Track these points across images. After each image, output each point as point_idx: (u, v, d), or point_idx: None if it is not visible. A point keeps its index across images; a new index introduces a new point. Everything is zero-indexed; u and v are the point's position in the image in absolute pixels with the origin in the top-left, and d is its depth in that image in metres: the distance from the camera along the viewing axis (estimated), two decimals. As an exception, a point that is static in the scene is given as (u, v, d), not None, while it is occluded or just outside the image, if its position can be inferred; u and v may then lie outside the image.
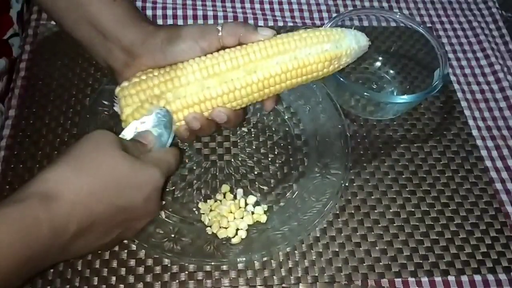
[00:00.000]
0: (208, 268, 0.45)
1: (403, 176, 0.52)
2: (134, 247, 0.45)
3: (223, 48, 0.41)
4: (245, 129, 0.54)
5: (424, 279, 0.46)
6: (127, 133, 0.41)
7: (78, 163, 0.35)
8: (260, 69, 0.41)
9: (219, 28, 0.40)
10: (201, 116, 0.42)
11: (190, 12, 0.65)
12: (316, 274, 0.45)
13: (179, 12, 0.65)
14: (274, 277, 0.45)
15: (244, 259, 0.44)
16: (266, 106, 0.45)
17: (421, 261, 0.47)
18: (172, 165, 0.40)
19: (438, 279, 0.46)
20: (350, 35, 0.42)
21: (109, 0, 0.41)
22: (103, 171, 0.35)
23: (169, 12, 0.65)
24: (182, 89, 0.41)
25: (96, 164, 0.35)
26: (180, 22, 0.64)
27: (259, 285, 0.45)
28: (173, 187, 0.49)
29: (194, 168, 0.51)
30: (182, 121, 0.42)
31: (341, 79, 0.51)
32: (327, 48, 0.41)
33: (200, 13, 0.65)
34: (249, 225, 0.46)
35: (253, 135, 0.54)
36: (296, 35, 0.41)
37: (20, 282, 0.32)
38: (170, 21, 0.64)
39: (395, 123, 0.57)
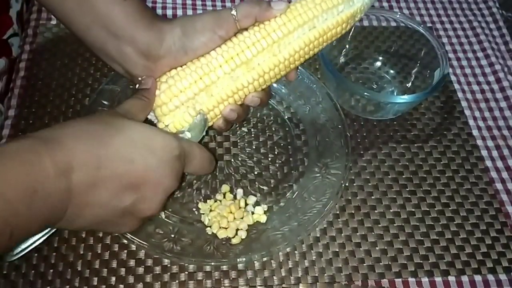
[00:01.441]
0: (208, 268, 0.45)
1: (403, 176, 0.52)
2: (134, 247, 0.45)
3: (240, 30, 0.41)
4: (245, 129, 0.54)
5: (425, 279, 0.46)
6: None
7: (90, 117, 0.35)
8: (284, 47, 0.40)
9: (234, 13, 0.40)
10: (237, 107, 0.42)
11: (190, 12, 0.65)
12: (316, 274, 0.45)
13: (179, 12, 0.65)
14: (274, 277, 0.45)
15: (244, 259, 0.44)
16: (290, 77, 0.45)
17: (421, 261, 0.47)
18: (194, 152, 0.38)
19: (438, 279, 0.46)
20: None
21: (119, 0, 0.40)
22: (114, 126, 0.34)
23: (169, 12, 0.64)
24: (214, 85, 0.40)
25: (107, 121, 0.35)
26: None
27: (259, 285, 0.45)
28: (173, 187, 0.49)
29: (194, 168, 0.51)
30: (219, 115, 0.42)
31: (341, 79, 0.51)
32: (342, 9, 0.41)
33: (200, 13, 0.65)
34: (249, 225, 0.46)
35: (253, 135, 0.54)
36: (309, 2, 0.41)
37: (35, 225, 0.31)
38: (170, 21, 0.64)
39: (395, 123, 0.57)
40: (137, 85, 0.41)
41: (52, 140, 0.32)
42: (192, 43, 0.40)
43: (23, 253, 0.42)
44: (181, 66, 0.41)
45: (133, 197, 0.35)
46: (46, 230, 0.42)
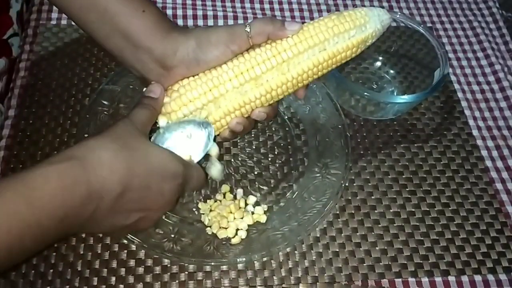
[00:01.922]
0: (208, 268, 0.45)
1: (403, 176, 0.52)
2: (134, 247, 0.45)
3: (252, 46, 0.42)
4: (245, 129, 0.54)
5: (425, 279, 0.46)
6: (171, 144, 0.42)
7: (118, 139, 0.37)
8: (293, 66, 0.41)
9: (248, 30, 0.41)
10: (243, 120, 0.43)
11: (190, 12, 0.65)
12: (316, 274, 0.45)
13: (179, 12, 0.65)
14: (274, 277, 0.45)
15: (244, 259, 0.44)
16: (298, 94, 0.46)
17: (421, 261, 0.47)
18: (193, 176, 0.41)
19: (438, 279, 0.46)
20: (374, 17, 0.42)
21: (139, 11, 0.41)
22: (138, 151, 0.37)
23: (169, 12, 0.64)
24: (222, 98, 0.41)
25: (134, 143, 0.37)
26: (180, 21, 0.64)
27: (259, 285, 0.45)
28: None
29: (194, 168, 0.51)
30: (225, 126, 0.43)
31: (341, 79, 0.51)
32: (353, 34, 0.42)
33: (200, 13, 0.65)
34: (249, 225, 0.46)
35: (253, 135, 0.54)
36: (322, 25, 0.42)
37: (55, 240, 0.34)
38: (170, 21, 0.64)
39: (395, 123, 0.57)
40: (144, 89, 0.43)
41: (91, 162, 0.34)
42: (206, 56, 0.41)
43: None
44: (193, 76, 0.42)
45: (139, 216, 0.38)
46: None
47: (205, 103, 0.41)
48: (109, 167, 0.35)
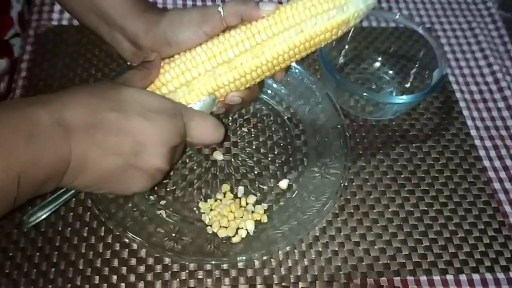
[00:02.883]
0: (208, 267, 0.45)
1: (402, 176, 0.53)
2: (135, 246, 0.46)
3: (227, 28, 0.41)
4: (245, 129, 0.55)
5: (423, 278, 0.46)
6: None
7: (85, 84, 0.37)
8: (268, 49, 0.40)
9: (221, 10, 0.40)
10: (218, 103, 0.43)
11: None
12: (316, 273, 0.46)
13: (180, 13, 0.65)
14: (274, 276, 0.45)
15: (244, 258, 0.45)
16: (276, 78, 0.45)
17: (420, 260, 0.47)
18: (194, 117, 0.39)
19: (436, 278, 0.47)
20: None
21: None
22: (111, 87, 0.36)
23: (170, 13, 0.65)
24: (195, 81, 0.41)
25: (104, 84, 0.36)
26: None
27: (259, 284, 0.45)
28: (174, 187, 0.49)
29: (195, 167, 0.51)
30: None
31: (341, 79, 0.52)
32: (333, 14, 0.39)
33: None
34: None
35: (253, 135, 0.54)
36: (299, 5, 0.40)
37: (41, 172, 0.32)
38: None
39: (394, 123, 0.57)
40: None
41: (47, 98, 0.33)
42: (177, 36, 0.41)
43: (39, 219, 0.43)
44: (168, 59, 0.42)
45: (131, 145, 0.35)
46: (57, 194, 0.42)
47: (178, 86, 0.41)
48: (70, 95, 0.34)
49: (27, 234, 0.45)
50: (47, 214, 0.43)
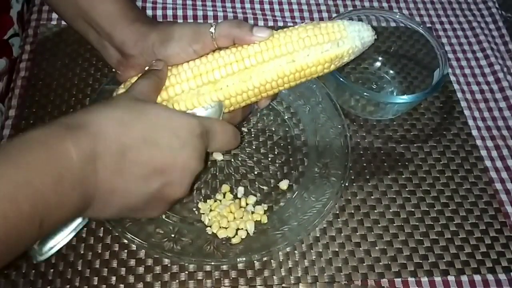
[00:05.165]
0: (208, 268, 0.45)
1: (403, 176, 0.52)
2: (134, 247, 0.45)
3: (218, 48, 0.41)
4: (245, 129, 0.54)
5: (424, 279, 0.46)
6: None
7: (110, 102, 0.35)
8: (256, 75, 0.39)
9: (212, 30, 0.39)
10: None
11: (190, 13, 0.65)
12: (316, 274, 0.45)
13: (179, 13, 0.65)
14: (274, 277, 0.45)
15: (244, 259, 0.45)
16: (260, 104, 0.44)
17: (421, 261, 0.47)
18: (216, 128, 0.38)
19: (438, 279, 0.46)
20: (353, 32, 0.39)
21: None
22: (135, 109, 0.34)
23: (169, 12, 0.65)
24: (178, 97, 0.40)
25: (129, 103, 0.35)
26: (180, 22, 0.64)
27: (259, 285, 0.45)
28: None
29: (194, 168, 0.51)
30: None
31: (341, 79, 0.51)
32: (327, 48, 0.39)
33: (200, 13, 0.65)
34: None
35: (253, 135, 0.54)
36: (294, 34, 0.39)
37: (65, 214, 0.31)
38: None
39: (394, 123, 0.57)
40: (146, 68, 0.41)
41: (76, 126, 0.32)
42: (165, 50, 0.40)
43: (52, 252, 0.39)
44: None
45: (160, 181, 0.35)
46: (75, 225, 0.38)
47: (159, 101, 0.40)
48: (99, 124, 0.32)
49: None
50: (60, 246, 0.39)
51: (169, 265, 0.45)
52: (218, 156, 0.51)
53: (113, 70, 0.44)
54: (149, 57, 0.41)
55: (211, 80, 0.39)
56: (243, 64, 0.39)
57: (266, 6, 0.67)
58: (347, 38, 0.39)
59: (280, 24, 0.65)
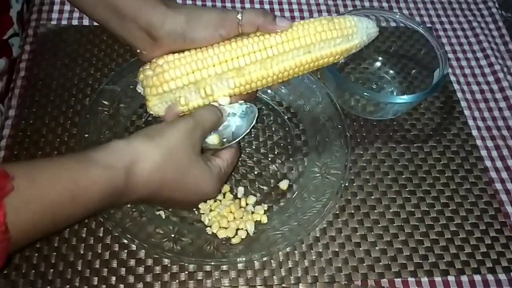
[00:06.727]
0: (208, 268, 0.45)
1: (403, 176, 0.52)
2: (134, 247, 0.45)
3: (241, 34, 0.43)
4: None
5: (424, 279, 0.46)
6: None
7: (168, 151, 0.39)
8: (276, 63, 0.43)
9: (239, 17, 0.42)
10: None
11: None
12: (316, 274, 0.45)
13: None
14: (274, 277, 0.45)
15: (244, 259, 0.44)
16: (273, 87, 0.47)
17: (421, 261, 0.47)
18: (229, 172, 0.45)
19: (438, 279, 0.46)
20: (362, 29, 0.44)
21: None
22: (180, 169, 0.40)
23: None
24: (203, 81, 0.42)
25: (180, 159, 0.40)
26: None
27: (259, 285, 0.45)
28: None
29: (194, 168, 0.51)
30: (196, 108, 0.44)
31: (341, 79, 0.51)
32: (339, 42, 0.44)
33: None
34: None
35: (253, 135, 0.54)
36: (311, 28, 0.43)
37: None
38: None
39: (394, 123, 0.57)
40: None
41: (133, 173, 0.38)
42: (193, 34, 0.42)
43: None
44: (179, 53, 0.43)
45: (192, 202, 0.45)
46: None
47: (186, 83, 0.42)
48: (145, 180, 0.38)
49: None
50: None
51: (169, 265, 0.45)
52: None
53: (137, 51, 0.44)
54: (177, 41, 0.42)
55: (236, 67, 0.42)
56: (266, 54, 0.42)
57: (266, 6, 0.67)
58: (357, 33, 0.44)
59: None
